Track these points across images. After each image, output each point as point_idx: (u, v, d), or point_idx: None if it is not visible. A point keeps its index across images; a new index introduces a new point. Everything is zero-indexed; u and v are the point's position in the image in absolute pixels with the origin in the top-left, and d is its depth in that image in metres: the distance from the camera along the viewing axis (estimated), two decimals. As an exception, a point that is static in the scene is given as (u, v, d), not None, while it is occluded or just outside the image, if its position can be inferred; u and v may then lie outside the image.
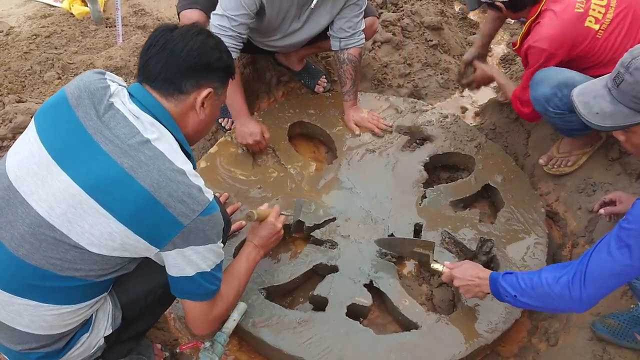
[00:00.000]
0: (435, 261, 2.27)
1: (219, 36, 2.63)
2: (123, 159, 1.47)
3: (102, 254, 1.52)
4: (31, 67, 3.35)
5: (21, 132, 2.71)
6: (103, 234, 1.49)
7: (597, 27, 2.41)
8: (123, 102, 1.56)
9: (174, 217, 1.50)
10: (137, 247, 1.54)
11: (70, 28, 3.78)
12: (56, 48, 3.57)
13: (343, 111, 3.09)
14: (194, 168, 1.61)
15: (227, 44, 2.56)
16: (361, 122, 3.03)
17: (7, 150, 2.66)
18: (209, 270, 1.64)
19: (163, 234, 1.52)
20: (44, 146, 1.52)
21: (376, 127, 3.02)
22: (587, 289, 1.69)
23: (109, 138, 1.49)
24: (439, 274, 2.24)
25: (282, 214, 2.25)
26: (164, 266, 1.63)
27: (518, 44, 2.63)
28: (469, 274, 2.07)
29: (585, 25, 2.40)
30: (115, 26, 3.68)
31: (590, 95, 1.70)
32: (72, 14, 3.91)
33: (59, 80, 3.27)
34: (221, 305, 1.79)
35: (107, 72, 1.67)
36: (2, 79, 3.21)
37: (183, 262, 1.58)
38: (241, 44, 2.66)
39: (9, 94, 3.02)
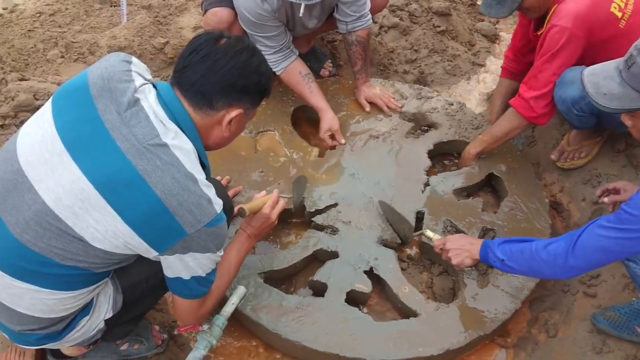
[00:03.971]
0: (430, 230, 2.38)
1: (269, 55, 2.75)
2: (138, 161, 1.43)
3: (104, 250, 1.51)
4: (34, 45, 3.32)
5: (23, 111, 2.72)
6: (107, 231, 1.48)
7: (620, 14, 2.32)
8: (149, 101, 1.52)
9: (180, 226, 1.48)
10: (139, 248, 1.53)
11: (74, 7, 3.74)
12: (60, 26, 3.53)
13: (347, 97, 3.07)
14: (207, 178, 1.59)
15: (280, 57, 2.80)
16: (372, 97, 3.03)
17: (9, 128, 2.67)
18: (204, 275, 1.64)
19: (166, 240, 1.51)
20: (58, 134, 1.48)
21: (386, 105, 3.01)
22: (574, 258, 1.77)
23: (126, 136, 1.45)
24: (430, 241, 2.34)
25: (282, 197, 2.22)
26: None
27: (545, 28, 2.41)
28: (462, 241, 2.17)
29: (611, 10, 2.32)
30: (119, 5, 3.64)
31: (601, 76, 1.70)
32: (76, -8, 3.88)
33: (62, 58, 3.24)
34: (210, 302, 1.80)
35: (134, 61, 1.62)
36: (6, 57, 3.18)
37: (180, 266, 1.58)
38: (289, 48, 2.81)
39: (11, 71, 2.99)
